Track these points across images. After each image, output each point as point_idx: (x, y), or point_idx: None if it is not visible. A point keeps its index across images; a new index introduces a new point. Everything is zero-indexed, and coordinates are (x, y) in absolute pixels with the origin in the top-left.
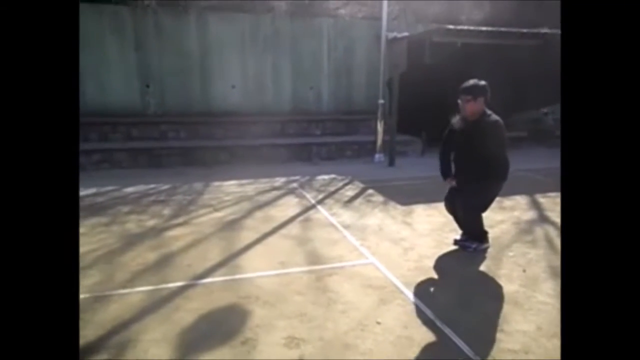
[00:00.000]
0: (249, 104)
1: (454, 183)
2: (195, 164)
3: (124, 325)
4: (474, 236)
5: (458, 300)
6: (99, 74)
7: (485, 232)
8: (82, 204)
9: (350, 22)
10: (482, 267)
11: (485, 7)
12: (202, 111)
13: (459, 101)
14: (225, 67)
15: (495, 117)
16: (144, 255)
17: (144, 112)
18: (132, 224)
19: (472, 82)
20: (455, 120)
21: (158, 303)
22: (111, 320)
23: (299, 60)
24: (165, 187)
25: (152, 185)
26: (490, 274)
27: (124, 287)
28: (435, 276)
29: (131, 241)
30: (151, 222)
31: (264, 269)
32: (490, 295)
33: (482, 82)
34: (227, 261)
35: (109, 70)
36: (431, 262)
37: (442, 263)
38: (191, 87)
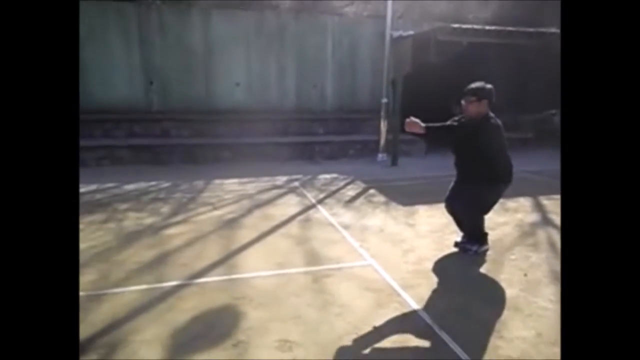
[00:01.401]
0: (253, 101)
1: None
2: (197, 161)
3: (115, 325)
4: (474, 238)
5: (456, 304)
6: (103, 71)
7: (485, 234)
8: (82, 200)
9: (355, 20)
10: (482, 270)
11: (493, 6)
12: (205, 109)
13: (463, 102)
14: (229, 64)
15: (497, 120)
16: (140, 253)
17: (147, 109)
18: (131, 222)
19: (478, 83)
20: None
21: (152, 302)
22: (103, 320)
23: (303, 58)
24: (166, 184)
25: (152, 183)
26: (491, 278)
27: (119, 285)
28: (435, 279)
29: (129, 239)
30: (150, 220)
31: (261, 269)
32: (490, 300)
33: (489, 85)
34: (224, 260)
35: (113, 67)
36: (431, 265)
37: (442, 266)
38: (195, 85)
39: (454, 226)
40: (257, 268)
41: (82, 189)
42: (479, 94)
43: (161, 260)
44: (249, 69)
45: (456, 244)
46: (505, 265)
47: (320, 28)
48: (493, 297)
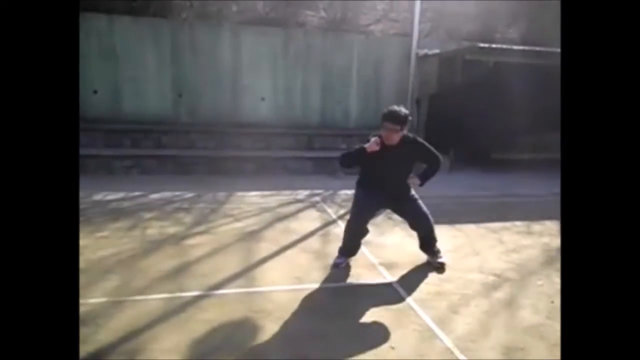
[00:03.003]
0: (277, 116)
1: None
2: (221, 173)
3: (136, 333)
4: (434, 245)
5: (478, 328)
6: (136, 84)
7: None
8: (109, 207)
9: (381, 39)
10: (507, 295)
11: (521, 26)
12: (231, 122)
13: (383, 130)
14: (256, 79)
15: (410, 135)
16: (162, 262)
17: (176, 121)
18: (155, 230)
19: (398, 109)
20: (371, 143)
21: (172, 312)
22: (124, 327)
23: (328, 75)
24: (190, 195)
25: (177, 193)
26: (515, 303)
27: (141, 293)
28: (456, 301)
29: (152, 247)
30: (172, 229)
31: (280, 283)
32: (514, 326)
33: (405, 110)
34: (243, 273)
35: (145, 80)
36: (452, 286)
37: (463, 287)
38: (222, 99)
39: (474, 246)
40: (276, 282)
41: (110, 197)
42: (402, 121)
43: (182, 269)
44: (274, 84)
45: (439, 264)
46: (531, 291)
47: (346, 46)
48: (518, 324)
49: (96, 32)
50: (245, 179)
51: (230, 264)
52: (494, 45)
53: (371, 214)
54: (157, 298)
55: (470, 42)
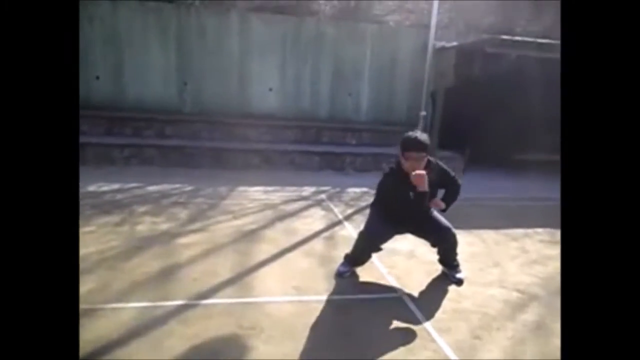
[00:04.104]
0: (285, 107)
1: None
2: (225, 166)
3: (108, 348)
4: (455, 258)
5: (504, 358)
6: (139, 70)
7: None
8: (102, 199)
9: (396, 30)
10: (535, 316)
11: (545, 19)
12: (237, 112)
13: (409, 161)
14: (264, 69)
15: (432, 159)
16: (148, 263)
17: (180, 110)
18: (146, 226)
19: (419, 135)
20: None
21: (151, 324)
22: (95, 341)
23: (339, 66)
24: (189, 188)
25: (176, 185)
26: (544, 327)
27: (119, 300)
28: (476, 322)
29: (140, 245)
30: (165, 226)
31: (276, 293)
32: (544, 355)
33: (424, 134)
34: (237, 279)
35: (149, 66)
36: (470, 304)
37: (484, 305)
38: (229, 88)
39: (494, 256)
40: (273, 292)
41: (104, 188)
42: (427, 147)
43: (169, 273)
44: (283, 74)
45: (456, 280)
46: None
47: (359, 36)
48: (550, 353)
49: (99, 16)
50: (249, 172)
51: (223, 267)
52: (516, 38)
53: (387, 238)
54: (135, 307)
55: (489, 35)
